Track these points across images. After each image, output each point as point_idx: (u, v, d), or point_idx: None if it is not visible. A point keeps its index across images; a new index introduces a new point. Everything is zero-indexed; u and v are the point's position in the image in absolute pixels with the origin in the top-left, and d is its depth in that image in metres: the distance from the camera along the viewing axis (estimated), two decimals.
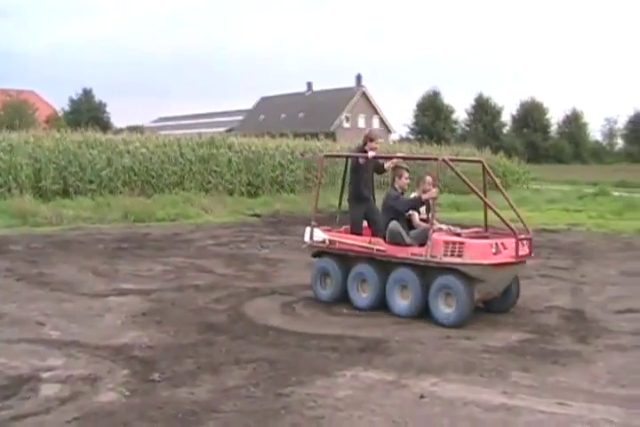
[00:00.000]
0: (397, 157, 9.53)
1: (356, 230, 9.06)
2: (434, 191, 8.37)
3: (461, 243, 7.88)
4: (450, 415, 5.14)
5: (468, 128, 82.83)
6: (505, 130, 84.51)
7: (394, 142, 56.31)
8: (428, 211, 8.87)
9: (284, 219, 19.72)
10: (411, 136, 78.08)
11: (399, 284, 8.31)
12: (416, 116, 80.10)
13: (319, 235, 9.04)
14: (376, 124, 68.95)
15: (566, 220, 19.70)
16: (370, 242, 8.57)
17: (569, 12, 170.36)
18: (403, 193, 8.85)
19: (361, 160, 9.03)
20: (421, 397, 5.50)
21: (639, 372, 6.33)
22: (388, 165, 9.23)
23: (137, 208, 19.19)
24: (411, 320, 8.00)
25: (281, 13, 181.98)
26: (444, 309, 7.93)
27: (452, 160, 9.09)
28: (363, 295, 8.65)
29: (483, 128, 79.74)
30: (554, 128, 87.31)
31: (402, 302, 8.27)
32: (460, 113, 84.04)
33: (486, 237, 8.43)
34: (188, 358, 6.42)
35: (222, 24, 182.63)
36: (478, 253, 7.82)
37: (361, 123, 67.55)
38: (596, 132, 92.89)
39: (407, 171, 8.90)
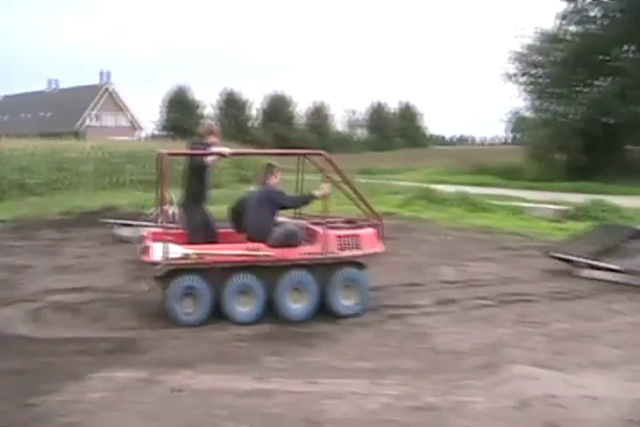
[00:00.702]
0: (259, 154, 8.90)
1: (198, 237, 8.19)
2: (327, 187, 8.17)
3: (356, 235, 8.12)
4: (205, 406, 5.20)
5: (217, 122, 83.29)
6: (254, 123, 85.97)
7: (139, 139, 55.49)
8: None
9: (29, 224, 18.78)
10: (160, 133, 77.29)
11: (291, 287, 7.88)
12: (164, 113, 79.41)
13: (177, 250, 7.58)
14: (124, 121, 67.67)
15: (314, 208, 20.40)
16: (249, 248, 7.76)
17: (312, 10, 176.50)
18: None
19: (210, 159, 8.19)
20: (176, 391, 5.52)
21: (381, 345, 6.81)
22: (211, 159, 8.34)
23: None
24: (162, 317, 7.85)
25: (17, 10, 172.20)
26: (345, 301, 8.02)
27: (273, 154, 9.31)
28: (244, 309, 7.75)
29: (232, 122, 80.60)
30: (301, 120, 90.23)
31: (295, 305, 7.88)
32: (210, 108, 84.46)
33: (345, 228, 8.52)
34: None
35: None
36: (371, 242, 8.19)
37: (109, 120, 65.97)
38: (339, 122, 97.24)
39: (280, 169, 8.45)
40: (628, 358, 6.42)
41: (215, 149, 8.29)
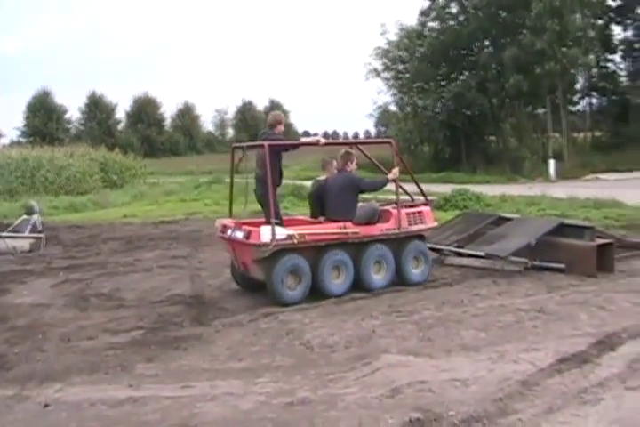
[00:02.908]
0: (350, 144, 9.98)
1: (279, 219, 8.64)
2: (396, 171, 9.21)
3: (420, 212, 9.48)
4: (77, 418, 5.06)
5: (82, 127, 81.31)
6: (120, 126, 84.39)
7: (3, 146, 53.32)
8: None
9: None
10: (22, 139, 74.62)
11: (374, 260, 8.95)
12: (27, 118, 76.72)
13: (282, 232, 8.26)
14: None
15: (184, 210, 20.22)
16: (343, 227, 8.72)
17: (175, 7, 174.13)
18: None
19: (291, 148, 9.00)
20: (46, 405, 5.35)
21: (254, 344, 6.80)
22: None
23: None
24: (28, 331, 7.57)
25: None
26: (414, 270, 9.35)
27: (362, 143, 10.60)
28: (337, 282, 8.73)
29: (98, 126, 78.88)
30: (168, 122, 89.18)
31: (377, 276, 9.01)
32: (74, 112, 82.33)
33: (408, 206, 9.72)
34: None
35: None
36: (430, 218, 9.61)
37: None
38: (208, 123, 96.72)
39: (356, 156, 9.53)
40: (492, 340, 6.66)
41: (310, 139, 9.35)
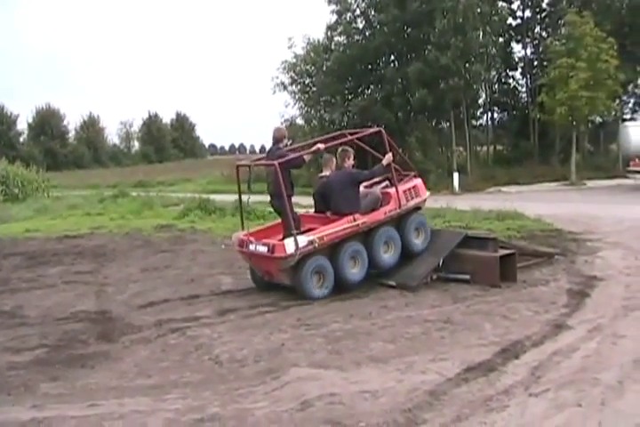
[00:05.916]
0: (346, 141, 10.39)
1: (297, 225, 9.25)
2: (389, 156, 9.92)
3: (415, 186, 10.26)
4: None
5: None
6: (22, 138, 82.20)
7: None
8: None
9: None
10: None
11: (381, 243, 9.65)
12: None
13: (303, 240, 8.89)
14: None
15: (88, 224, 19.75)
16: (353, 220, 9.33)
17: (80, 19, 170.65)
18: None
19: (307, 157, 9.74)
20: None
21: (162, 360, 6.72)
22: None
23: None
24: None
25: None
26: (416, 240, 10.12)
27: (355, 136, 10.59)
28: (355, 271, 9.44)
29: None
30: (72, 134, 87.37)
31: (386, 255, 9.74)
32: None
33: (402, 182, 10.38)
34: None
35: None
36: (423, 190, 10.41)
37: None
38: (113, 135, 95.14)
39: (352, 152, 10.08)
40: (401, 351, 6.76)
41: (313, 148, 9.71)
